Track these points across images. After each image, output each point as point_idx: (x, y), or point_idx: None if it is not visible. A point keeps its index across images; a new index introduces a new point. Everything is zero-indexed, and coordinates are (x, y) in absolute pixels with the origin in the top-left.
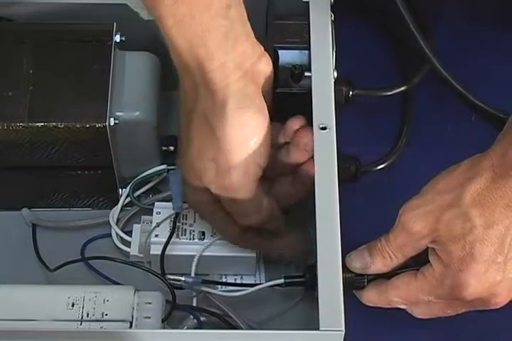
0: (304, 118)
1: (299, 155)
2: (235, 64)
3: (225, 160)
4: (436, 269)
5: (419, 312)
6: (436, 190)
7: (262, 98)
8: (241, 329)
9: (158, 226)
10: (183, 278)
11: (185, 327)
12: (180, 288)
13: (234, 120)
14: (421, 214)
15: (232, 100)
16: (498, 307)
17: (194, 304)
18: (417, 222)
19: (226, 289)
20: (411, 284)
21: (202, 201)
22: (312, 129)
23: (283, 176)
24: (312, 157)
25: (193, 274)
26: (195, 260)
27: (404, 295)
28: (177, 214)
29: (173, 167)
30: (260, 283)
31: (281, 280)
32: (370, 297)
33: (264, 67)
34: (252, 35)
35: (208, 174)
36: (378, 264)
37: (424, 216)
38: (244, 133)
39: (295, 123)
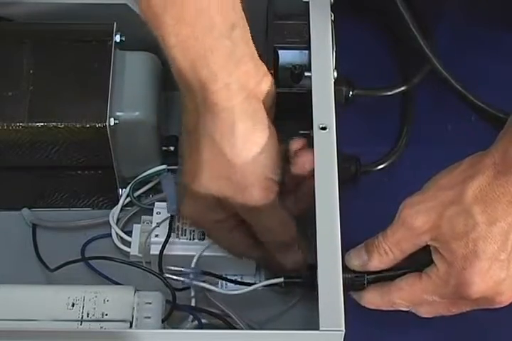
0: (305, 140)
1: (298, 173)
2: (238, 85)
3: (241, 179)
4: (441, 268)
5: (424, 312)
6: (438, 186)
7: (266, 115)
8: (241, 329)
9: (158, 226)
10: (182, 269)
11: (185, 327)
12: (181, 289)
13: (244, 140)
14: (422, 210)
15: (239, 121)
16: (503, 305)
17: (194, 304)
18: (418, 218)
19: (226, 288)
20: (415, 285)
21: (217, 220)
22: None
23: (287, 194)
24: (313, 176)
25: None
26: (195, 259)
27: (408, 296)
28: (173, 217)
29: (173, 167)
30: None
31: (281, 279)
32: (372, 299)
33: (267, 87)
34: (256, 55)
35: (227, 193)
36: (375, 261)
37: (425, 212)
38: (255, 151)
39: (296, 144)
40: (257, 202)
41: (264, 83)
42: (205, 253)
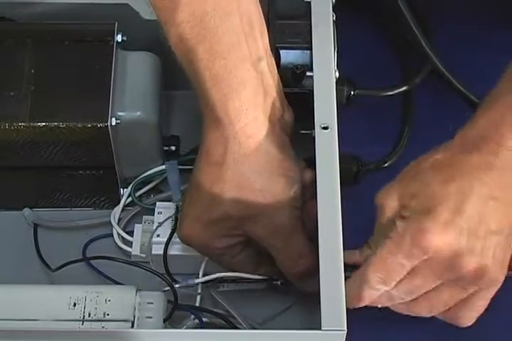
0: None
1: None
2: (265, 117)
3: (268, 209)
4: (399, 226)
5: (420, 308)
6: (402, 174)
7: (291, 146)
8: (243, 328)
9: (160, 226)
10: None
11: (185, 327)
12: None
13: (273, 172)
14: (390, 191)
15: (269, 153)
16: (495, 284)
17: (196, 304)
18: (388, 198)
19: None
20: (381, 252)
21: (229, 245)
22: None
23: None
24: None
25: (201, 275)
26: (204, 263)
27: (378, 265)
28: (178, 208)
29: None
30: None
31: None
32: (350, 287)
33: (289, 118)
34: (280, 86)
35: (248, 222)
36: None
37: (392, 191)
38: (285, 184)
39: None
40: (285, 231)
41: (286, 115)
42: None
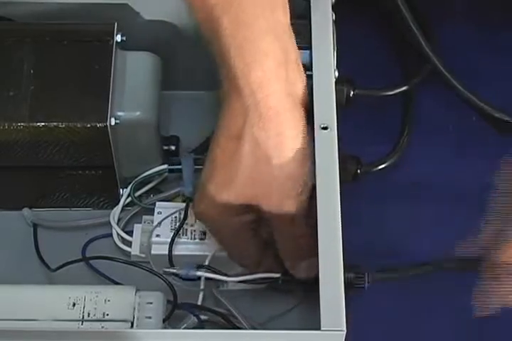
0: None
1: None
2: (286, 90)
3: (283, 187)
4: None
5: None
6: None
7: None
8: (243, 328)
9: (159, 225)
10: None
11: (184, 326)
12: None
13: (290, 148)
14: None
15: (287, 128)
16: None
17: (196, 302)
18: None
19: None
20: None
21: (243, 222)
22: None
23: None
24: None
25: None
26: (207, 260)
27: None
28: (190, 200)
29: (174, 167)
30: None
31: (278, 275)
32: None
33: (305, 92)
34: (300, 61)
35: (262, 200)
36: None
37: None
38: (300, 160)
39: None
40: (292, 210)
41: (305, 88)
42: (205, 253)
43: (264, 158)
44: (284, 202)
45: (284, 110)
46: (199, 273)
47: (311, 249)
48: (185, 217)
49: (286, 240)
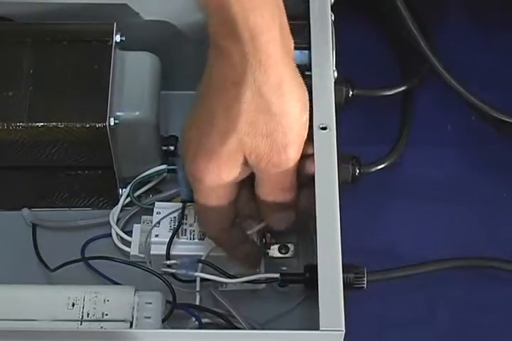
0: None
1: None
2: (282, 40)
3: (283, 137)
4: None
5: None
6: None
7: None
8: (242, 328)
9: (158, 225)
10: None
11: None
12: (184, 281)
13: (292, 96)
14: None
15: (288, 75)
16: None
17: (195, 303)
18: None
19: (225, 287)
20: None
21: (236, 177)
22: None
23: None
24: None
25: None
26: (203, 258)
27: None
28: (185, 202)
29: (173, 167)
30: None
31: (277, 275)
32: None
33: (293, 49)
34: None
35: (261, 150)
36: None
37: None
38: (300, 109)
39: None
40: (288, 163)
41: (293, 49)
42: (206, 254)
43: (264, 105)
44: (281, 153)
45: (282, 59)
46: (197, 274)
47: (289, 203)
48: (182, 217)
49: (271, 193)
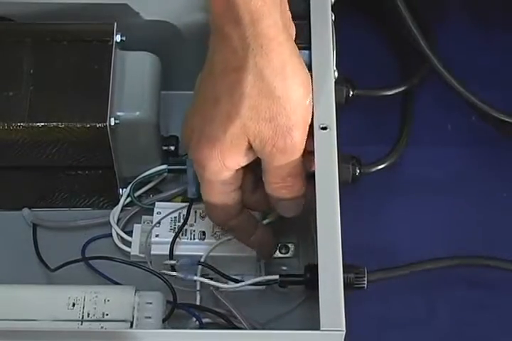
0: None
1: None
2: (283, 24)
3: (286, 121)
4: None
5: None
6: None
7: None
8: (243, 328)
9: (158, 225)
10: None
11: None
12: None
13: (295, 80)
14: None
15: (290, 60)
16: None
17: (195, 303)
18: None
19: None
20: None
21: (240, 165)
22: None
23: None
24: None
25: (199, 274)
26: (203, 259)
27: None
28: (192, 201)
29: (174, 167)
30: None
31: (276, 277)
32: None
33: (294, 33)
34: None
35: (265, 135)
36: None
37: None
38: (303, 92)
39: None
40: (294, 147)
41: (294, 34)
42: (206, 254)
43: (267, 89)
44: (286, 137)
45: (283, 43)
46: (196, 278)
47: (298, 189)
48: (187, 216)
49: (277, 180)
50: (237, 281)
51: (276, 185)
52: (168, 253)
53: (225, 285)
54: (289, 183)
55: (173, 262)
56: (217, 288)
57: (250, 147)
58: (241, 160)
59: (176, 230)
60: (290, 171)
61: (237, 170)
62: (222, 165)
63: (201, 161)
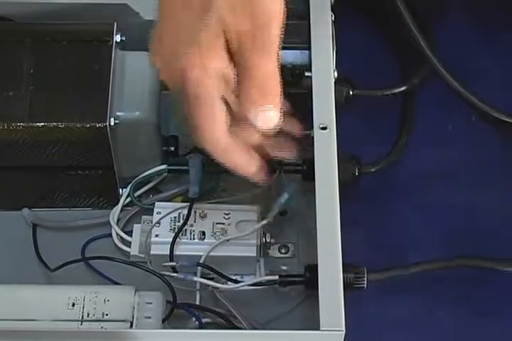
0: None
1: None
2: None
3: (262, 12)
4: None
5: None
6: None
7: None
8: (243, 328)
9: (158, 225)
10: (177, 264)
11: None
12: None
13: None
14: None
15: None
16: None
17: (195, 303)
18: None
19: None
20: None
21: (218, 69)
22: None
23: None
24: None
25: (198, 275)
26: (202, 259)
27: None
28: (193, 201)
29: (173, 167)
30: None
31: (276, 277)
32: None
33: None
34: None
35: (242, 28)
36: None
37: None
38: None
39: None
40: (272, 43)
41: None
42: (203, 253)
43: None
44: (264, 30)
45: None
46: (196, 279)
47: (275, 93)
48: (188, 216)
49: (253, 82)
50: (236, 282)
51: (252, 90)
52: (167, 253)
53: (224, 286)
54: (264, 88)
55: (172, 264)
56: (217, 287)
57: (229, 50)
58: (221, 63)
59: (176, 230)
60: (266, 86)
61: (219, 78)
62: (204, 71)
63: (182, 73)
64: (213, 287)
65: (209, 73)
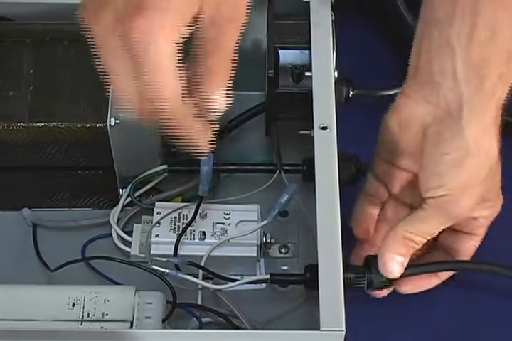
0: None
1: None
2: None
3: None
4: None
5: None
6: None
7: None
8: (244, 328)
9: (158, 225)
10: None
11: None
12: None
13: None
14: None
15: None
16: None
17: (195, 302)
18: None
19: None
20: None
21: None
22: None
23: None
24: None
25: (200, 276)
26: (204, 259)
27: None
28: (201, 199)
29: (173, 167)
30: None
31: (267, 276)
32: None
33: None
34: None
35: None
36: None
37: None
38: None
39: None
40: (241, 13)
41: None
42: (203, 253)
43: None
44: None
45: None
46: (181, 276)
47: (225, 75)
48: (195, 216)
49: (209, 54)
50: (233, 281)
51: (209, 61)
52: (167, 253)
53: (213, 286)
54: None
55: (163, 259)
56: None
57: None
58: (183, 31)
59: (176, 230)
60: (224, 47)
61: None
62: (165, 39)
63: (141, 39)
64: (203, 286)
65: (169, 42)
